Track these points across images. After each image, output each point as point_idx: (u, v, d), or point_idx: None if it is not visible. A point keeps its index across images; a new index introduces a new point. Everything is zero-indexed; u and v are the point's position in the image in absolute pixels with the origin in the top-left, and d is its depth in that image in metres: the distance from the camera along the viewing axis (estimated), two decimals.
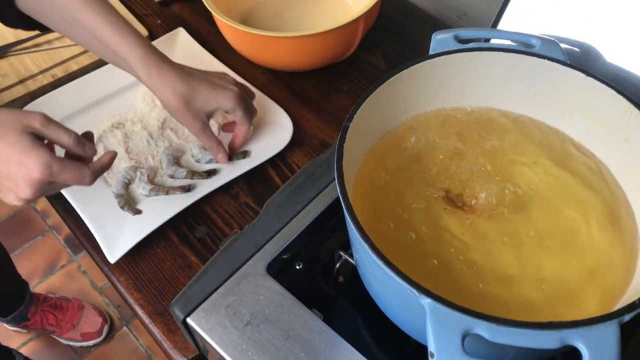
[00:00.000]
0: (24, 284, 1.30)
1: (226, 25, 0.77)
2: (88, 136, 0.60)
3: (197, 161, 0.74)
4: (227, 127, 0.75)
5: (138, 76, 0.66)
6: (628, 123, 0.48)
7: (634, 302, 0.37)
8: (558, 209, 0.51)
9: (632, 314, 0.37)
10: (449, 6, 0.95)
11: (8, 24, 0.67)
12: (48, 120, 0.54)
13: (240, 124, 0.71)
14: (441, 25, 0.94)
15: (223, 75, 0.72)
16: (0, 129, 0.52)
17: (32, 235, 1.62)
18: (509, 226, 0.50)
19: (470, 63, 0.53)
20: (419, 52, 0.88)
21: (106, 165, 0.58)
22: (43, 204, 1.67)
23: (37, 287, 1.52)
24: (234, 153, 0.74)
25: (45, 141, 0.55)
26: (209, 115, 0.69)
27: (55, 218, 1.65)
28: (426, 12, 0.96)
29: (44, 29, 0.68)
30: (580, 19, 0.60)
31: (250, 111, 0.71)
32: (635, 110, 0.47)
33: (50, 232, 1.63)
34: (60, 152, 0.57)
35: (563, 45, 0.61)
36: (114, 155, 0.59)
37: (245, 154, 0.74)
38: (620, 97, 0.48)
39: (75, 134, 0.55)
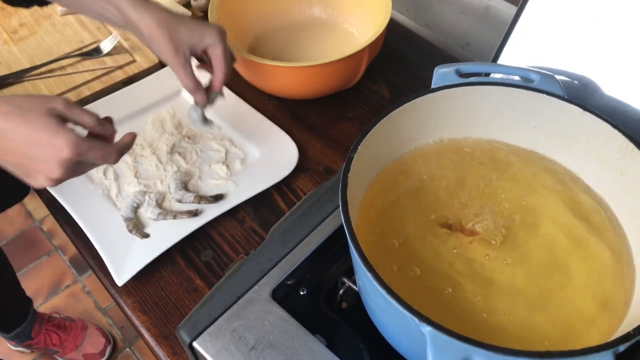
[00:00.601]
0: (28, 300, 1.30)
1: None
2: (108, 119, 0.61)
3: (179, 201, 0.74)
4: (202, 66, 0.74)
5: (123, 10, 0.65)
6: (624, 157, 0.50)
7: (628, 333, 0.38)
8: (559, 240, 0.52)
9: (626, 345, 0.38)
10: (452, 37, 0.98)
11: (11, 3, 0.68)
12: (70, 102, 0.56)
13: (220, 64, 0.69)
14: (444, 55, 0.96)
15: None
16: (27, 113, 0.53)
17: (37, 255, 1.63)
18: (512, 256, 0.51)
19: (471, 96, 0.55)
20: (422, 81, 0.91)
21: (128, 145, 0.59)
22: (49, 224, 1.69)
23: (42, 306, 1.53)
24: (211, 93, 0.72)
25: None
26: (192, 52, 0.68)
27: (60, 238, 1.66)
28: (430, 42, 0.98)
29: (41, 4, 0.69)
30: (579, 53, 0.62)
31: (231, 53, 0.71)
32: (630, 144, 0.49)
33: (56, 252, 1.64)
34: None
35: (563, 78, 0.63)
36: (134, 135, 0.60)
37: (222, 94, 0.72)
38: (615, 131, 0.50)
39: (97, 115, 0.58)
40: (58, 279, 1.59)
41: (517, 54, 0.66)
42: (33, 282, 1.57)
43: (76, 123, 0.57)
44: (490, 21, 1.00)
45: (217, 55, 0.68)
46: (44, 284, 1.57)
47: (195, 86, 0.69)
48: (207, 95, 0.71)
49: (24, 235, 1.68)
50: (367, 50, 0.79)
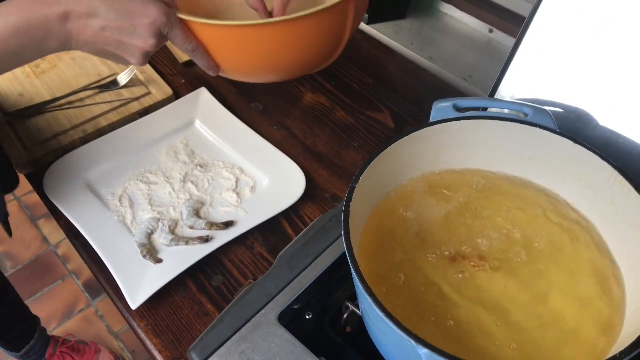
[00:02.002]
0: (34, 317, 1.32)
1: (196, 24, 0.62)
2: None
3: (191, 227, 0.77)
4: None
5: None
6: (613, 187, 0.52)
7: (615, 356, 0.40)
8: (557, 269, 0.54)
9: None
10: (455, 69, 1.01)
11: None
12: None
13: None
14: (447, 86, 0.99)
15: None
16: None
17: (52, 280, 1.67)
18: (511, 283, 0.54)
19: (468, 130, 0.57)
20: (425, 112, 0.94)
21: None
22: (64, 249, 1.72)
23: (56, 330, 1.56)
24: None
25: None
26: None
27: (75, 263, 1.69)
28: (433, 74, 1.01)
29: None
30: (575, 86, 0.65)
31: None
32: (619, 175, 0.51)
33: (70, 276, 1.67)
34: None
35: (559, 110, 0.66)
36: None
37: None
38: (605, 163, 0.52)
39: None
40: (72, 303, 1.62)
41: (515, 87, 0.69)
42: (47, 306, 1.60)
43: None
44: (492, 54, 1.03)
45: None
46: (58, 308, 1.60)
47: (257, 4, 0.72)
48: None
49: (39, 259, 1.71)
50: (352, 2, 0.64)
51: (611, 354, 0.47)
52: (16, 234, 1.76)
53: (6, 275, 1.61)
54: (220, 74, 0.68)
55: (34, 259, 1.71)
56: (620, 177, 0.51)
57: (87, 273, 1.65)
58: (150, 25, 0.56)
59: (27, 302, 1.31)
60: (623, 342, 0.46)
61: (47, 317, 1.56)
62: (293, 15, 0.59)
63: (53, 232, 1.76)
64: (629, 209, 0.51)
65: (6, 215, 0.88)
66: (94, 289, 1.63)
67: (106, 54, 0.59)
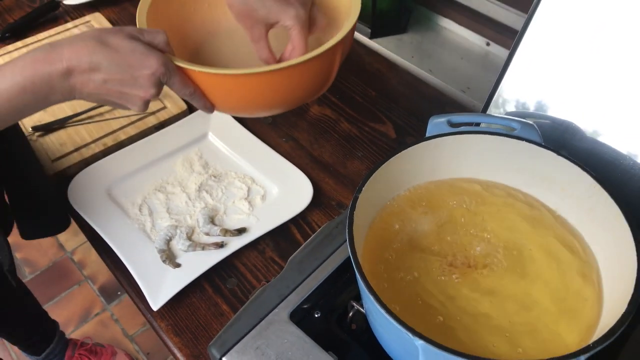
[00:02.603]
0: (52, 321, 1.37)
1: (192, 71, 0.65)
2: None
3: (206, 234, 0.82)
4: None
5: None
6: (592, 195, 0.57)
7: (588, 346, 0.45)
8: (542, 271, 0.59)
9: (587, 355, 0.45)
10: (453, 81, 1.06)
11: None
12: (140, 28, 0.61)
13: (297, 43, 0.70)
14: (446, 98, 1.05)
15: None
16: (110, 41, 0.57)
17: (69, 285, 1.72)
18: (506, 284, 0.59)
19: (461, 144, 0.63)
20: (425, 123, 0.99)
21: None
22: (80, 255, 1.78)
23: (73, 334, 1.61)
24: None
25: None
26: (268, 27, 0.71)
27: (90, 269, 1.75)
28: (433, 86, 1.07)
29: None
30: (563, 100, 0.70)
31: (305, 34, 0.70)
32: (597, 185, 0.56)
33: (86, 281, 1.73)
34: None
35: (548, 122, 0.71)
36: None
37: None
38: (584, 173, 0.57)
39: (165, 33, 0.62)
40: (88, 307, 1.67)
41: (508, 100, 0.74)
42: (65, 310, 1.66)
43: (150, 43, 0.60)
44: (489, 66, 1.08)
45: (294, 36, 0.70)
46: (75, 312, 1.66)
47: (267, 58, 0.74)
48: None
49: (56, 265, 1.77)
50: (340, 48, 0.67)
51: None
52: (33, 241, 1.82)
53: (25, 280, 1.68)
54: (216, 111, 0.72)
55: (50, 265, 1.77)
56: (598, 186, 0.56)
57: (102, 278, 1.71)
58: (151, 75, 0.59)
59: (45, 307, 1.36)
60: (598, 335, 0.51)
61: (64, 321, 1.62)
62: (284, 64, 0.64)
63: (69, 239, 1.82)
64: (606, 216, 0.55)
65: (11, 263, 0.87)
66: (109, 294, 1.69)
67: (108, 102, 0.62)
